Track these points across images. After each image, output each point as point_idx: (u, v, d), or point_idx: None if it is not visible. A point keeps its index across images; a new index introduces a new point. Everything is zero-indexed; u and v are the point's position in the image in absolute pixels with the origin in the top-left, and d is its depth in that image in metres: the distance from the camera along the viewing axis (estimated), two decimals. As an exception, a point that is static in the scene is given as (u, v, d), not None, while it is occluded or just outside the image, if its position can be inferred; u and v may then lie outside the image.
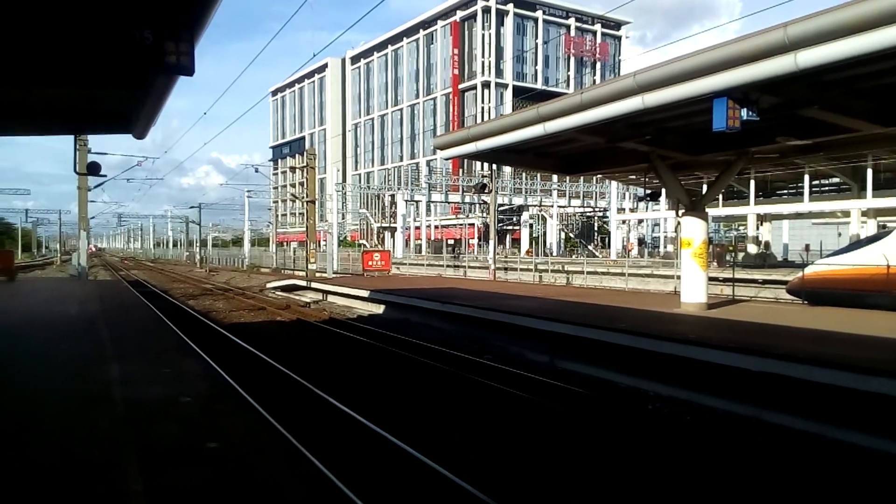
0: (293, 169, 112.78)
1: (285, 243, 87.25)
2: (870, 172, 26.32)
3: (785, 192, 32.66)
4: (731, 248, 39.08)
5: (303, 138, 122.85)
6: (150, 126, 12.10)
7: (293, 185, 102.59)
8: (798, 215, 34.70)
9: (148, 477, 4.40)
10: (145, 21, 6.82)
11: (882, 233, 17.68)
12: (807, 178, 28.78)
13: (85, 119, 12.55)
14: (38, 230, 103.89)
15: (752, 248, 35.07)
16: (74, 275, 31.64)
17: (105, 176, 26.24)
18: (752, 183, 30.83)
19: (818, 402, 7.98)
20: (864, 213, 29.30)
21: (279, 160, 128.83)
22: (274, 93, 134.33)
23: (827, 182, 31.09)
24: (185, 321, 17.72)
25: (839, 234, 38.01)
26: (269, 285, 31.21)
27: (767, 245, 35.96)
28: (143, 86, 8.75)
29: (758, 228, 36.12)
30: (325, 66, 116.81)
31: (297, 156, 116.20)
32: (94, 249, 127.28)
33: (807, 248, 33.95)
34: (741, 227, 48.19)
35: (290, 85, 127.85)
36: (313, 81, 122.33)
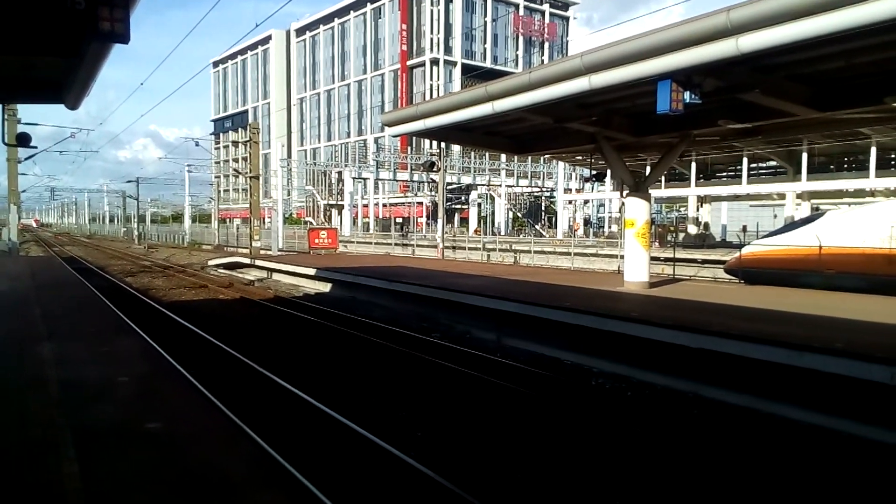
0: (235, 143, 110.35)
1: (228, 220, 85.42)
2: (805, 156, 27.27)
3: (724, 174, 33.58)
4: (672, 229, 40.10)
5: (246, 112, 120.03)
6: (84, 96, 11.59)
7: (236, 160, 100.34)
8: (736, 197, 35.75)
9: (84, 460, 4.26)
10: (78, -16, 6.48)
11: (815, 215, 18.38)
12: (745, 161, 29.65)
13: (14, 87, 11.96)
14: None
15: (693, 229, 36.07)
16: (4, 250, 30.33)
17: (36, 147, 25.12)
18: (694, 165, 31.58)
19: (753, 378, 8.28)
20: (798, 196, 30.43)
21: (221, 134, 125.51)
22: (215, 64, 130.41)
23: (764, 165, 32.08)
24: (122, 299, 17.19)
25: (775, 216, 39.32)
26: (210, 263, 30.53)
27: (707, 226, 37.01)
28: (76, 53, 8.35)
29: (698, 210, 37.13)
30: (269, 37, 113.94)
31: (239, 130, 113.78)
32: (35, 224, 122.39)
33: (744, 229, 35.03)
34: (682, 209, 49.42)
35: (233, 56, 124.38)
36: (256, 53, 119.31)
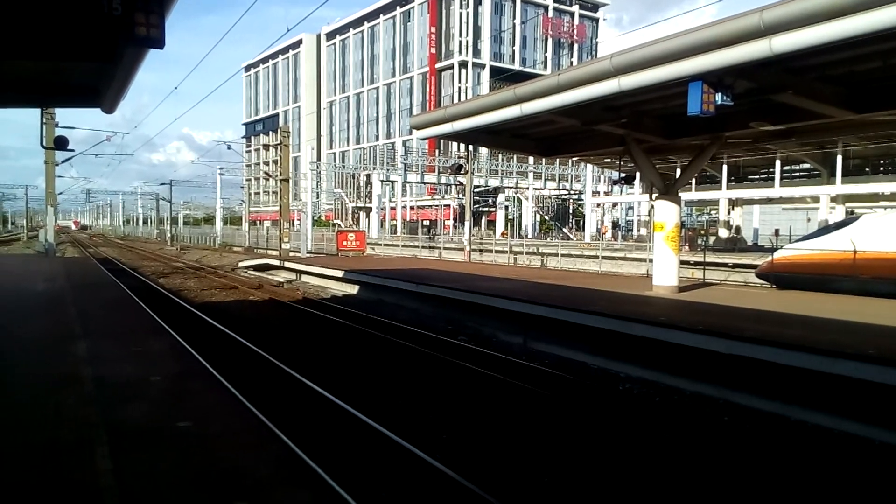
0: (266, 146, 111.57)
1: (258, 222, 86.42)
2: (839, 159, 26.71)
3: (756, 177, 33.05)
4: (702, 232, 39.59)
5: (276, 115, 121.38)
6: (120, 100, 11.83)
7: (266, 163, 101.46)
8: (769, 200, 35.17)
9: (117, 457, 4.35)
10: (114, -9, 6.62)
11: (850, 219, 18.00)
12: (778, 163, 29.12)
13: (52, 92, 12.23)
14: (3, 206, 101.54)
15: (724, 233, 35.50)
16: (41, 251, 31.07)
17: (73, 151, 25.50)
18: (725, 168, 31.11)
19: (785, 384, 8.14)
20: (833, 199, 29.78)
21: (252, 137, 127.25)
22: (247, 68, 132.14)
23: (797, 168, 31.50)
24: (155, 300, 17.49)
25: (808, 220, 38.63)
26: (241, 264, 30.90)
27: (738, 230, 36.42)
28: (112, 58, 8.52)
29: (729, 213, 36.52)
30: (300, 42, 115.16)
31: (270, 133, 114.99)
32: (75, 227, 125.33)
33: (776, 232, 34.47)
34: (713, 212, 48.77)
35: (264, 61, 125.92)
36: (287, 58, 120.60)
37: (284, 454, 4.77)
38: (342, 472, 5.50)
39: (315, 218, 62.05)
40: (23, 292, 14.25)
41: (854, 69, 9.87)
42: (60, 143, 23.12)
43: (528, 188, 62.19)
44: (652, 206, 14.57)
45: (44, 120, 24.56)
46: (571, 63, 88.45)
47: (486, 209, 68.09)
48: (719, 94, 9.61)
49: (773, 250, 18.07)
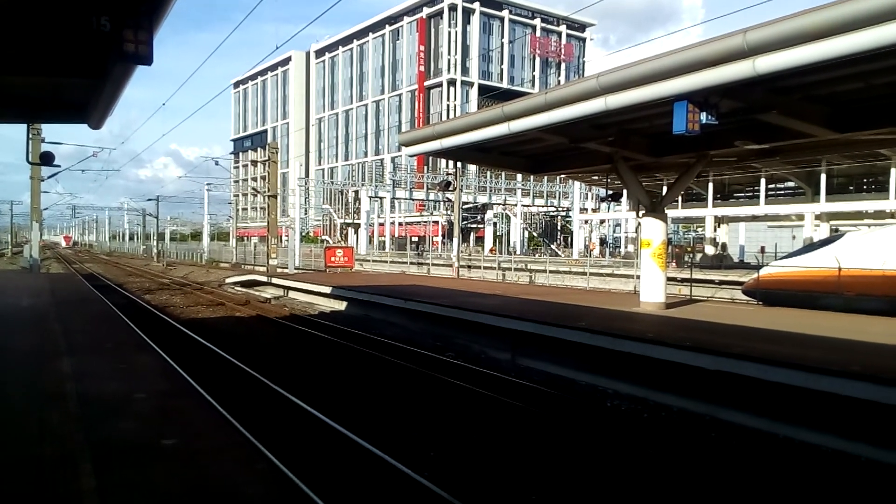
0: (255, 162, 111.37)
1: (246, 238, 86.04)
2: (823, 177, 27.05)
3: (742, 195, 33.39)
4: (689, 249, 39.74)
5: (265, 131, 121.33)
6: (107, 116, 11.82)
7: (254, 179, 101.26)
8: (754, 218, 35.48)
9: (101, 475, 4.30)
10: (103, 8, 6.65)
11: (834, 236, 18.20)
12: (763, 181, 29.45)
13: (39, 107, 12.22)
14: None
15: (710, 250, 35.74)
16: (26, 267, 30.79)
17: (59, 166, 25.47)
18: (711, 185, 31.40)
19: (772, 401, 8.18)
20: (817, 217, 30.12)
21: (240, 153, 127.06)
22: (236, 85, 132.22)
23: (782, 186, 31.87)
24: (140, 316, 17.35)
25: (793, 237, 39.00)
26: (228, 280, 30.74)
27: (724, 247, 36.69)
28: (100, 74, 8.54)
29: (715, 230, 36.81)
30: (289, 59, 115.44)
31: (258, 149, 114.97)
32: (66, 243, 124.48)
33: (762, 250, 34.76)
34: (699, 229, 49.03)
35: (253, 77, 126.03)
36: (276, 74, 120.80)
37: (273, 473, 4.72)
38: (332, 491, 5.45)
39: (303, 234, 61.94)
40: (6, 308, 14.09)
41: (837, 89, 10.03)
42: (46, 159, 23.01)
43: (516, 205, 62.42)
44: (639, 223, 14.66)
45: (30, 135, 24.45)
46: (559, 82, 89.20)
47: (474, 226, 68.23)
48: (704, 113, 9.72)
49: (758, 267, 18.19)
